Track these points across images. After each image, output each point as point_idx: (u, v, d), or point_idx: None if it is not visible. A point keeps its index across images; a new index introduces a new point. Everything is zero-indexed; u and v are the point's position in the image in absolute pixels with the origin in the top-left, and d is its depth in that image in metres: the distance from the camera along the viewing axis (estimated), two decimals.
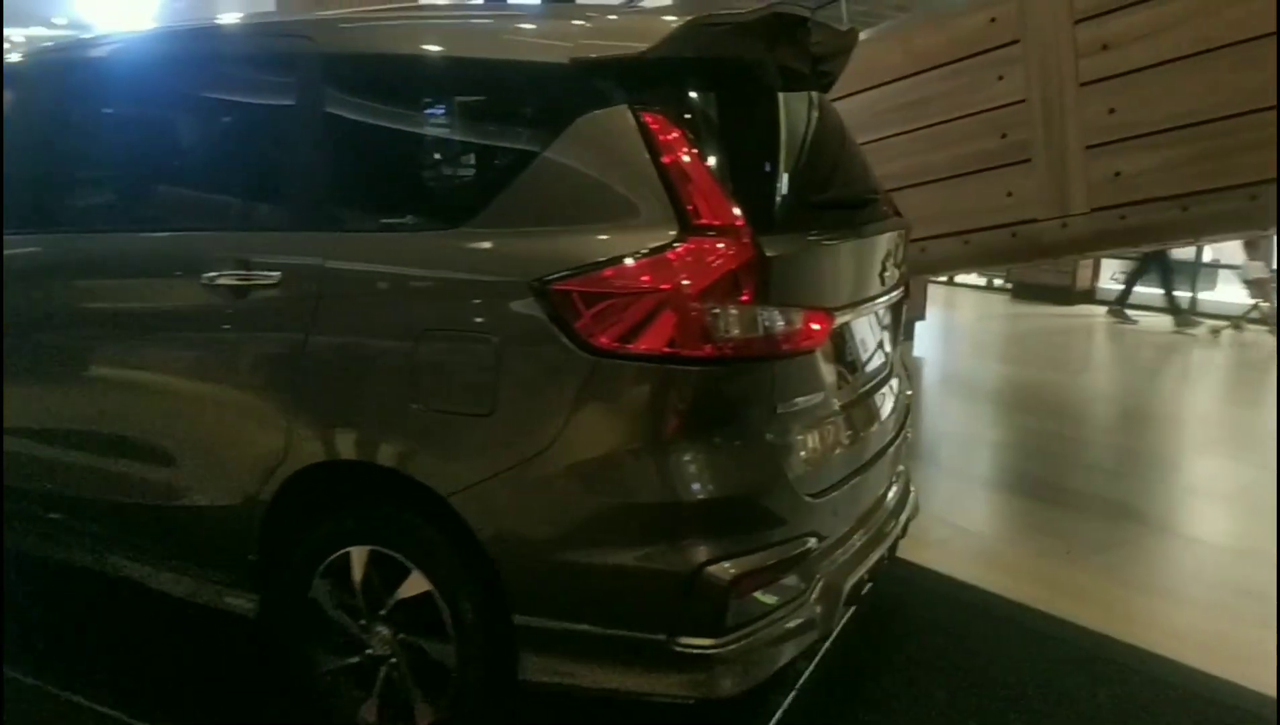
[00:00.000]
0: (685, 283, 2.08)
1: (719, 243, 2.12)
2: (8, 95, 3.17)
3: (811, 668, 3.02)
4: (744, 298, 2.13)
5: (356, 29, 2.64)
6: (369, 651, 2.51)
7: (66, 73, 3.18)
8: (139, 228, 2.92)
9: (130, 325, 2.80)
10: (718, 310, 2.10)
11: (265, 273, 2.50)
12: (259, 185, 2.71)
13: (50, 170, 3.12)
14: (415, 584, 2.40)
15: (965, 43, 4.41)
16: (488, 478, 2.24)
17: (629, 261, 2.11)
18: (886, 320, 2.93)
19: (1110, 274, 11.20)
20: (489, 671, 2.36)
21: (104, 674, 3.00)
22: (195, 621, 3.07)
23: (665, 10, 2.37)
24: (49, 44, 3.25)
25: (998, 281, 12.35)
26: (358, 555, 2.48)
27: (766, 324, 2.18)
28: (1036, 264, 10.14)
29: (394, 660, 2.48)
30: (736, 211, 2.15)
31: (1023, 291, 11.65)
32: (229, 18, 2.93)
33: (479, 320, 2.23)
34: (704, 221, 2.12)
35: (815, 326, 2.31)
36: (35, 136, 3.09)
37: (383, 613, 2.47)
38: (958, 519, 4.44)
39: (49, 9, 24.03)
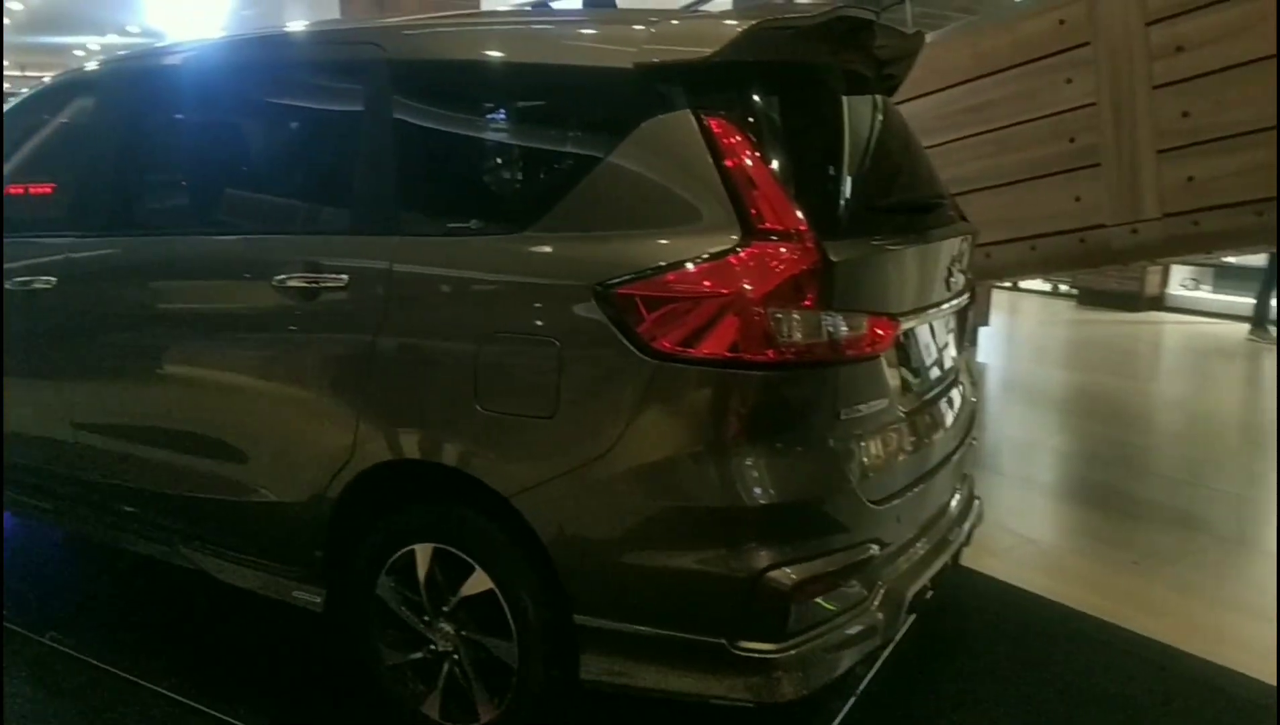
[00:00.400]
0: (748, 287, 2.08)
1: (782, 247, 2.12)
2: (84, 103, 3.28)
3: (871, 674, 3.00)
4: (807, 302, 2.12)
5: (423, 35, 2.68)
6: (432, 647, 2.55)
7: (141, 80, 3.26)
8: (212, 231, 3.00)
9: (203, 325, 2.88)
10: (780, 315, 2.10)
11: (334, 275, 2.55)
12: (328, 189, 2.76)
13: (126, 175, 3.21)
14: (478, 582, 2.43)
15: (1033, 45, 4.34)
16: (549, 479, 2.26)
17: (691, 266, 2.12)
18: (951, 326, 2.91)
19: (1179, 280, 10.95)
20: (550, 670, 2.39)
21: (175, 663, 3.09)
22: (264, 614, 3.16)
23: (728, 14, 2.38)
24: (124, 52, 3.34)
25: (1063, 287, 12.12)
26: (422, 553, 2.52)
27: (830, 329, 2.17)
28: (1104, 270, 9.94)
29: (457, 656, 2.52)
30: (800, 216, 2.15)
31: (1089, 297, 11.42)
32: (297, 25, 2.98)
33: (542, 323, 2.26)
34: (767, 226, 2.13)
35: (879, 332, 2.29)
36: (112, 142, 3.18)
37: (446, 609, 2.51)
38: (1022, 527, 4.37)
39: (123, 17, 24.68)
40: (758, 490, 2.15)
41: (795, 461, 2.20)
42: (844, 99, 2.56)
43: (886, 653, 3.02)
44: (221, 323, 2.83)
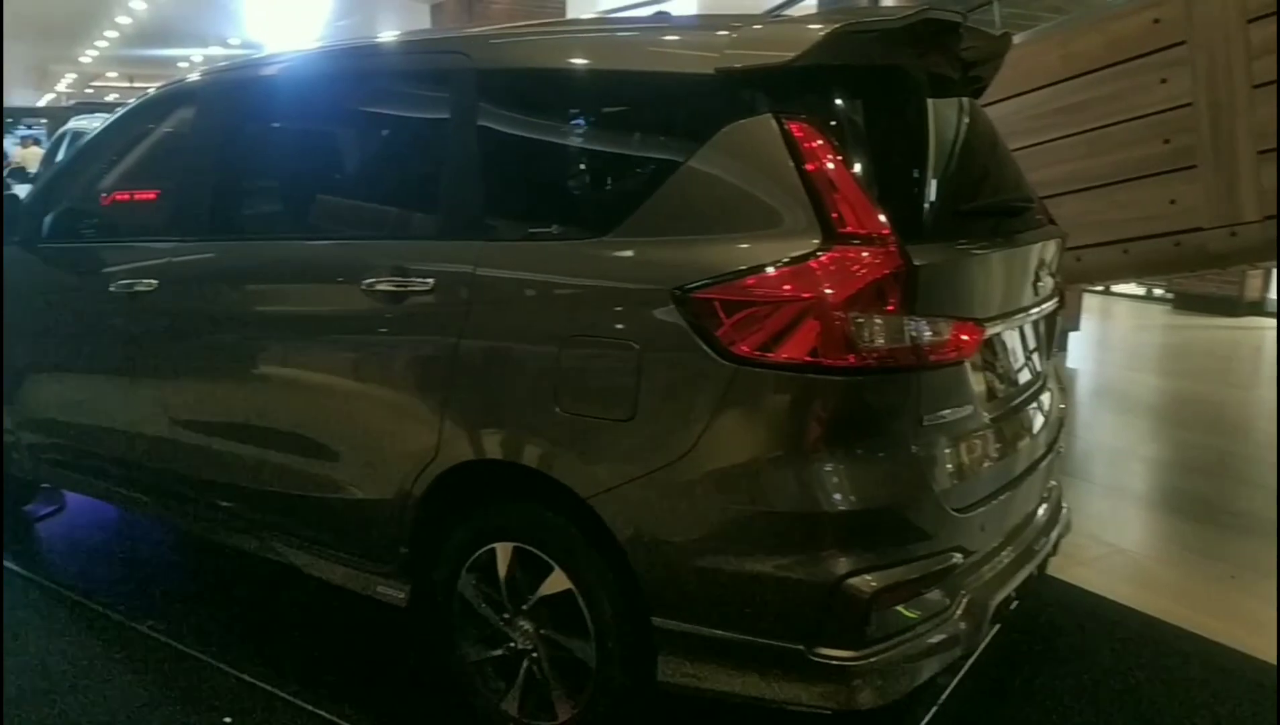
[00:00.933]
0: (828, 291, 2.07)
1: (864, 251, 2.10)
2: (186, 112, 3.40)
3: (953, 685, 2.96)
4: (889, 307, 2.10)
5: (509, 44, 2.73)
6: (512, 645, 2.58)
7: (238, 91, 3.38)
8: (305, 236, 3.09)
9: (295, 327, 2.96)
10: (862, 319, 2.08)
11: (420, 279, 2.60)
12: (416, 195, 2.82)
13: (225, 181, 3.32)
14: (556, 582, 2.46)
15: (1126, 45, 4.23)
16: (627, 481, 2.28)
17: (771, 270, 2.12)
18: (1039, 331, 2.85)
19: None
20: (627, 671, 2.40)
21: (262, 652, 3.19)
22: (346, 608, 3.24)
23: (811, 18, 2.38)
24: (223, 64, 3.46)
25: (1158, 291, 11.77)
26: (503, 552, 2.56)
27: (913, 334, 2.15)
28: (1202, 274, 9.64)
29: (535, 655, 2.55)
30: (882, 219, 2.13)
31: (1185, 302, 11.07)
32: (387, 36, 3.06)
33: (621, 327, 2.27)
34: (849, 230, 2.11)
35: (964, 337, 2.26)
36: (211, 150, 3.30)
37: (525, 608, 2.54)
38: (1112, 537, 4.26)
39: (225, 30, 25.50)
40: (838, 496, 2.13)
41: (876, 467, 2.18)
42: (929, 101, 2.53)
43: (969, 663, 2.98)
44: (312, 325, 2.91)
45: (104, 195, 3.84)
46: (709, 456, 2.18)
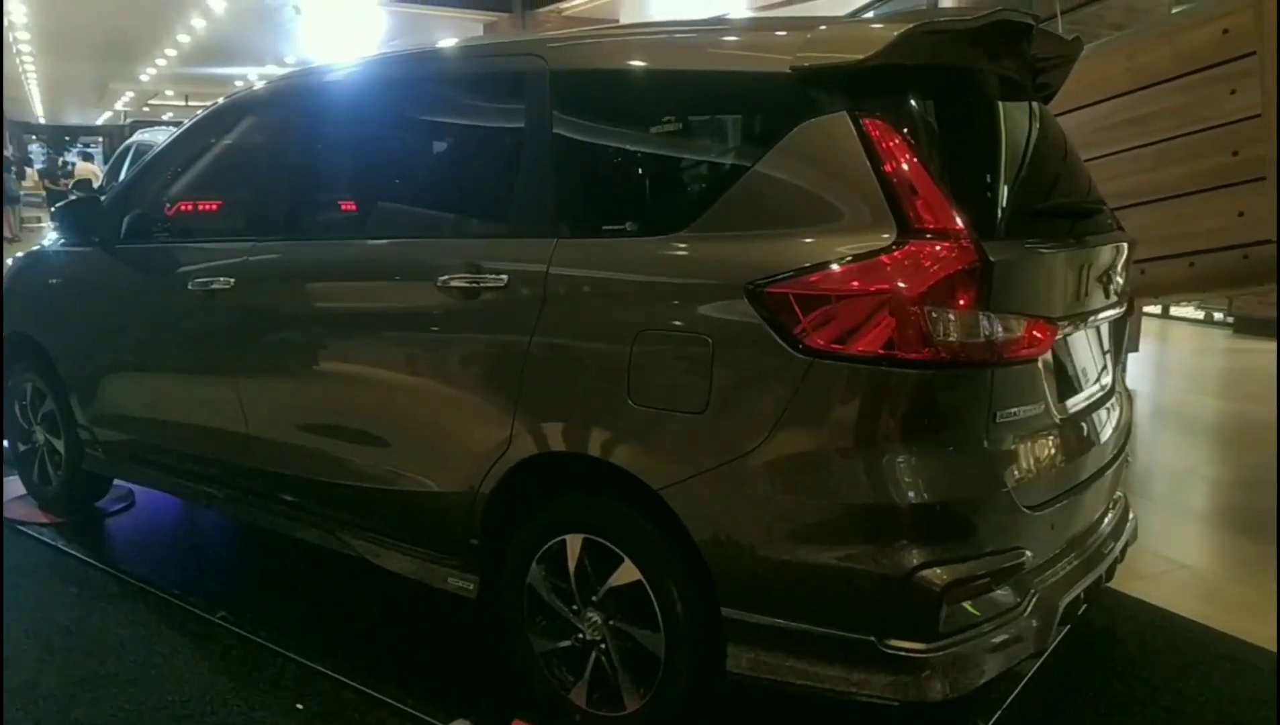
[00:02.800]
0: (904, 285, 2.10)
1: (938, 246, 2.13)
2: (262, 118, 3.51)
3: (1017, 691, 2.94)
4: (964, 302, 2.13)
5: (584, 47, 2.78)
6: (580, 636, 2.61)
7: (313, 96, 3.47)
8: (379, 236, 3.17)
9: (369, 324, 3.02)
10: (936, 313, 2.10)
11: (494, 276, 2.66)
12: (492, 194, 2.88)
13: (301, 183, 3.43)
14: (626, 573, 2.49)
15: (1194, 56, 4.21)
16: (699, 473, 2.31)
17: (847, 264, 2.15)
18: (1107, 337, 2.85)
19: None
20: (696, 661, 2.42)
21: (332, 641, 3.26)
22: (411, 599, 3.30)
23: (885, 19, 2.41)
24: (295, 71, 3.57)
25: (1217, 315, 11.56)
26: (572, 543, 2.59)
27: (987, 330, 2.17)
28: (1265, 297, 9.49)
29: (604, 646, 2.58)
30: (957, 216, 2.15)
31: (1246, 326, 10.85)
32: (462, 41, 3.13)
33: (695, 321, 2.31)
34: (924, 225, 2.14)
35: (1037, 335, 2.27)
36: (287, 154, 3.41)
37: (595, 599, 2.57)
38: (1174, 553, 4.21)
39: (280, 49, 25.98)
40: (911, 489, 2.15)
41: (949, 462, 2.19)
42: (999, 103, 2.55)
43: (1034, 669, 2.96)
44: (387, 321, 2.97)
45: (180, 198, 3.96)
46: (782, 448, 2.20)
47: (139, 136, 11.66)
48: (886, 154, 2.18)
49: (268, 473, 3.41)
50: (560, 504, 2.66)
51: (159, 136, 11.45)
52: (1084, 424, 2.63)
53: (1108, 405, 2.81)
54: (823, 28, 2.34)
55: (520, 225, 2.71)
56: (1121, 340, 2.98)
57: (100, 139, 37.70)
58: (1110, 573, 2.75)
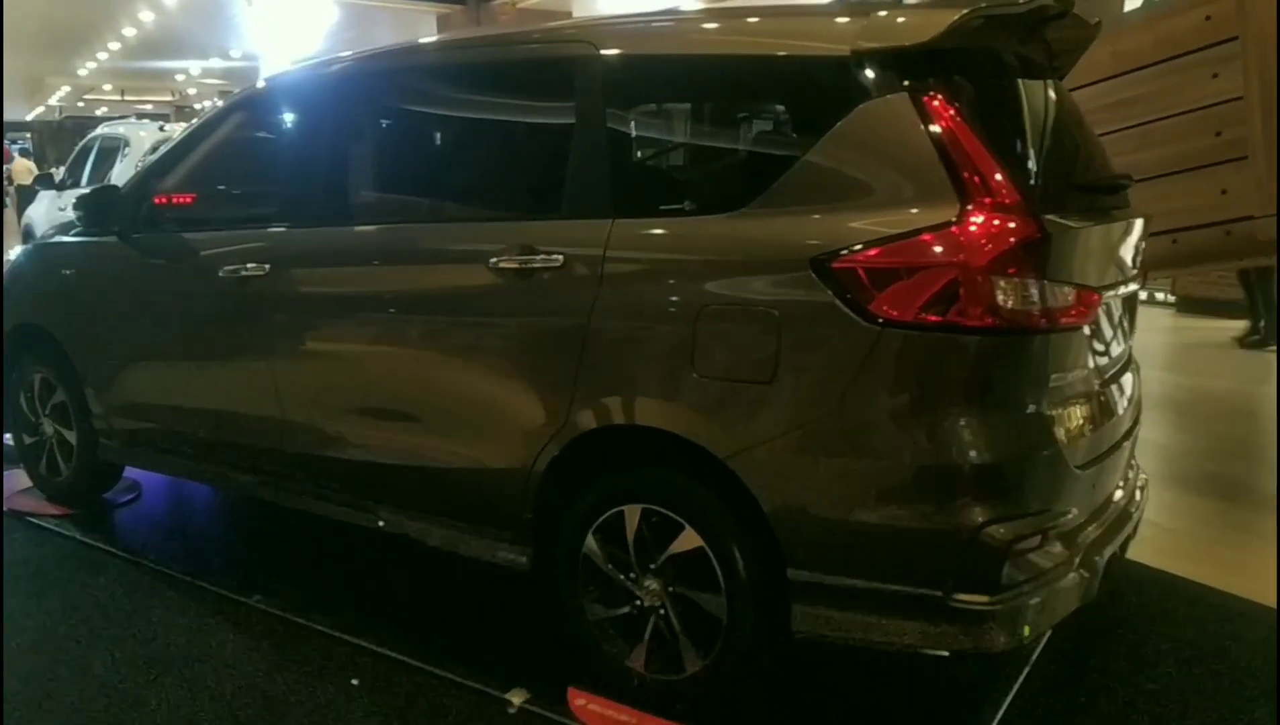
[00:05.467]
0: (972, 255, 2.21)
1: (1001, 219, 2.24)
2: (298, 104, 3.52)
3: (1038, 651, 3.08)
4: (1026, 271, 2.25)
5: (635, 33, 2.85)
6: (638, 603, 2.70)
7: (353, 83, 3.47)
8: (432, 219, 3.21)
9: (420, 306, 3.05)
10: (1002, 282, 2.22)
11: (549, 257, 2.72)
12: (545, 178, 2.92)
13: (348, 170, 3.47)
14: (688, 540, 2.59)
15: (1176, 41, 4.39)
16: (768, 440, 2.41)
17: (914, 236, 2.25)
18: (1127, 308, 3.00)
19: None
20: (757, 622, 2.53)
21: (365, 615, 3.32)
22: (447, 573, 3.35)
23: (935, 4, 2.52)
24: (328, 58, 3.55)
25: (1159, 296, 11.96)
26: (631, 513, 2.68)
27: (1043, 298, 2.29)
28: (1204, 277, 9.84)
29: (663, 611, 2.67)
30: (1016, 190, 2.27)
31: (1188, 305, 11.26)
32: (507, 29, 3.18)
33: (761, 295, 2.40)
34: (985, 199, 2.25)
35: (1084, 304, 2.41)
36: (335, 139, 3.43)
37: (653, 566, 2.66)
38: (1156, 517, 4.39)
39: (227, 41, 25.40)
40: (974, 450, 2.27)
41: (1010, 423, 2.32)
42: (1034, 82, 2.69)
43: (1045, 639, 3.10)
44: (440, 303, 3.00)
45: (209, 186, 3.95)
46: (852, 413, 2.31)
47: (103, 130, 11.39)
48: (947, 131, 2.29)
49: (310, 456, 3.42)
50: (618, 476, 2.74)
51: (119, 130, 11.19)
52: (1113, 390, 2.77)
53: (1126, 375, 2.96)
54: (881, 14, 2.44)
55: (575, 207, 2.76)
56: (1134, 314, 3.13)
57: (29, 135, 36.59)
58: (1135, 531, 2.90)
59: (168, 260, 3.79)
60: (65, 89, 36.35)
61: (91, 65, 29.10)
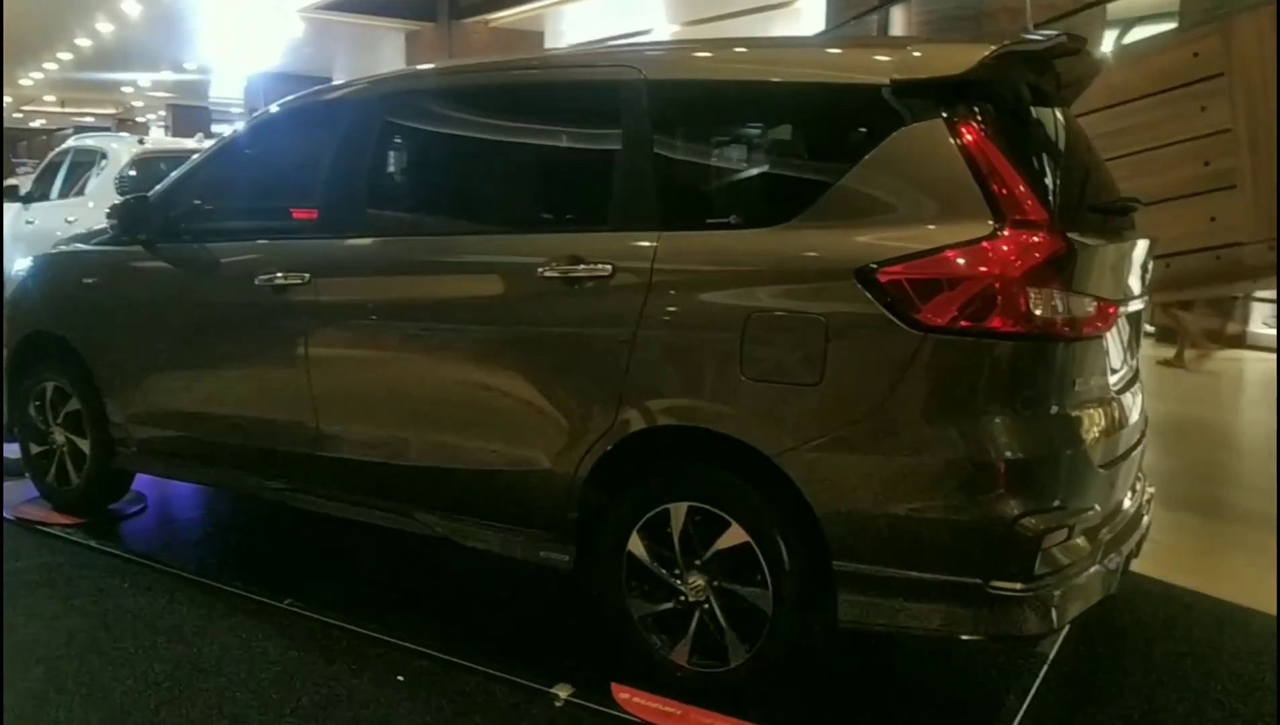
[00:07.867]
0: (1008, 268, 2.40)
1: (1033, 235, 2.43)
2: (344, 118, 3.63)
3: (1054, 652, 3.22)
4: (1057, 283, 2.44)
5: (680, 60, 3.06)
6: (682, 598, 2.82)
7: (402, 101, 3.61)
8: (479, 231, 3.35)
9: (467, 315, 3.17)
10: (1035, 292, 2.41)
11: (598, 266, 2.87)
12: (593, 194, 3.08)
13: (397, 184, 3.63)
14: (733, 536, 2.73)
15: (1166, 77, 4.63)
16: (815, 439, 2.57)
17: (955, 250, 2.44)
18: (1134, 325, 3.18)
19: (1262, 318, 11.08)
20: (801, 614, 2.67)
21: (388, 610, 3.42)
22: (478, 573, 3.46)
23: (964, 39, 2.73)
24: (371, 78, 3.65)
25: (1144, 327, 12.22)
26: (676, 511, 2.81)
27: (1071, 308, 2.48)
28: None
29: (707, 605, 2.79)
30: (1045, 208, 2.46)
31: (1167, 335, 11.56)
32: (555, 53, 3.34)
33: (808, 303, 2.57)
34: (1018, 217, 2.44)
35: (1105, 315, 2.61)
36: (383, 154, 3.57)
37: (698, 563, 2.79)
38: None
39: (180, 53, 25.01)
40: (1010, 447, 2.45)
41: (1041, 423, 2.50)
42: (1048, 111, 2.89)
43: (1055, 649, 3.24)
44: (488, 312, 3.12)
45: (244, 196, 4.03)
46: (895, 413, 2.48)
47: (74, 143, 11.13)
48: (980, 154, 2.48)
49: (341, 460, 3.51)
50: (664, 475, 2.88)
51: (93, 142, 10.81)
52: (1125, 398, 2.95)
53: (1135, 387, 3.15)
54: (915, 52, 2.63)
55: (621, 221, 2.91)
56: (1140, 330, 3.32)
57: None
58: (1145, 535, 3.06)
59: (198, 269, 3.85)
60: (6, 99, 35.57)
61: (37, 75, 28.49)
